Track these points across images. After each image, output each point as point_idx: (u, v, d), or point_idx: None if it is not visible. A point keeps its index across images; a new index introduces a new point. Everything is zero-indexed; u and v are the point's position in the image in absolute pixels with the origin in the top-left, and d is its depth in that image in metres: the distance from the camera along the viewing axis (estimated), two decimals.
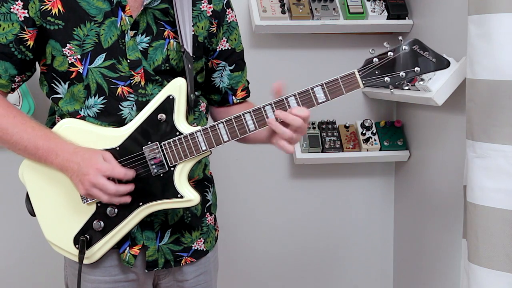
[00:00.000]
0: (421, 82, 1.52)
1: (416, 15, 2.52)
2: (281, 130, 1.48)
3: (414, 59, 1.47)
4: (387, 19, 2.52)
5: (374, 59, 1.48)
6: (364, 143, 2.57)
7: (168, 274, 1.68)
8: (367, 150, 2.57)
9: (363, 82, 1.48)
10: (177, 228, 1.65)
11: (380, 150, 2.59)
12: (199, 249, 1.69)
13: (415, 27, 2.51)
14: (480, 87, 1.81)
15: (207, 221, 1.71)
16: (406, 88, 1.54)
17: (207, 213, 1.72)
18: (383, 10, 2.51)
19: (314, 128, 2.55)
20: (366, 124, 2.58)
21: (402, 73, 1.48)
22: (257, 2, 2.43)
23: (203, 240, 1.70)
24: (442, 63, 1.49)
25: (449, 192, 2.31)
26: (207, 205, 1.72)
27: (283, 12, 2.44)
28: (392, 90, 1.53)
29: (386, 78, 1.48)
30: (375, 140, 2.58)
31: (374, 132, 2.59)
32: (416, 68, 1.48)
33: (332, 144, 2.54)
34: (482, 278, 1.82)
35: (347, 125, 2.59)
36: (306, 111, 1.48)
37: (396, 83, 1.50)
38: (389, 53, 1.48)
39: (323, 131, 2.55)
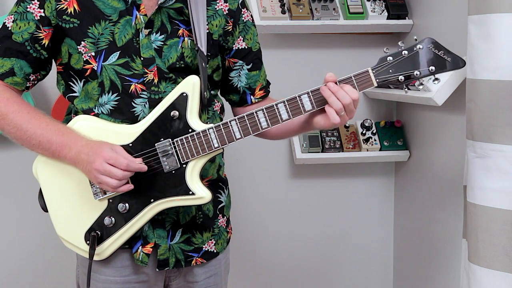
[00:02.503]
0: (436, 82, 1.52)
1: (416, 15, 2.52)
2: (332, 99, 1.47)
3: (429, 58, 1.47)
4: (387, 19, 2.52)
5: (388, 58, 1.48)
6: (364, 143, 2.57)
7: (179, 275, 1.68)
8: (367, 150, 2.57)
9: (377, 80, 1.48)
10: (189, 228, 1.64)
11: (380, 150, 2.59)
12: (209, 250, 1.68)
13: (415, 27, 2.51)
14: (480, 87, 1.81)
15: (219, 223, 1.70)
16: (421, 87, 1.54)
17: (220, 215, 1.71)
18: (383, 10, 2.51)
19: None
20: (366, 124, 2.58)
21: (416, 72, 1.48)
22: (257, 2, 2.43)
23: (214, 242, 1.69)
24: (457, 63, 1.48)
25: (449, 192, 2.31)
26: (220, 206, 1.71)
27: (283, 12, 2.44)
28: (406, 90, 1.52)
29: (401, 77, 1.48)
30: (375, 140, 2.58)
31: (374, 132, 2.59)
32: (431, 68, 1.47)
33: (332, 144, 2.54)
34: (482, 278, 1.82)
35: (347, 125, 2.58)
36: (356, 93, 1.48)
37: (410, 82, 1.50)
38: (403, 51, 1.48)
39: (323, 131, 2.55)
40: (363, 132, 2.58)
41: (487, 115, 1.80)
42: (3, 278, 2.48)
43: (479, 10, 1.78)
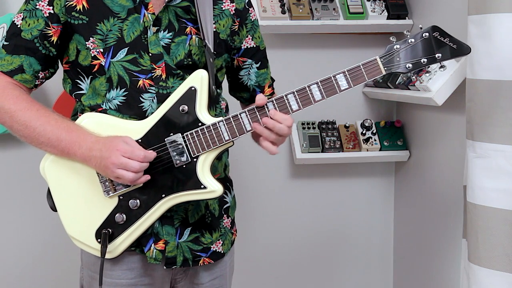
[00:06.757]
0: (442, 69, 1.53)
1: (416, 15, 2.52)
2: (266, 133, 1.51)
3: (435, 46, 1.49)
4: (387, 19, 2.52)
5: (395, 46, 1.50)
6: (364, 143, 2.57)
7: (185, 277, 1.67)
8: (367, 150, 2.57)
9: (385, 68, 1.50)
10: (197, 227, 1.64)
11: (380, 150, 2.59)
12: (217, 251, 1.67)
13: (415, 27, 2.51)
14: (480, 87, 1.81)
15: (223, 223, 1.70)
16: (427, 75, 1.55)
17: (225, 215, 1.71)
18: (383, 10, 2.51)
19: (314, 128, 2.55)
20: (366, 124, 2.58)
21: (423, 59, 1.49)
22: (257, 2, 2.43)
23: (221, 242, 1.69)
24: (462, 49, 1.50)
25: (449, 192, 2.31)
26: (225, 206, 1.71)
27: (283, 12, 2.44)
28: (411, 74, 1.52)
29: (408, 65, 1.50)
30: (375, 140, 2.58)
31: (374, 132, 2.59)
32: (437, 54, 1.49)
33: (332, 144, 2.54)
34: (482, 278, 1.82)
35: (347, 125, 2.59)
36: (290, 120, 1.51)
37: (418, 70, 1.51)
38: (410, 40, 1.50)
39: (323, 131, 2.55)
40: (363, 132, 2.58)
41: (487, 115, 1.80)
42: (7, 279, 2.48)
43: (479, 10, 1.78)
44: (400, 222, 2.73)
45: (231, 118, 1.51)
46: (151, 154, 1.50)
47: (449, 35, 1.49)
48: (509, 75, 1.73)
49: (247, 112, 1.51)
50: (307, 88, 1.50)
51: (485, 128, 1.80)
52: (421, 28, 1.51)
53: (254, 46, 1.71)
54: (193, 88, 1.52)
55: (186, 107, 1.52)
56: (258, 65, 1.73)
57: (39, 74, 1.59)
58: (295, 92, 1.50)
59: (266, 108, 1.51)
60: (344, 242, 2.75)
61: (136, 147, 1.49)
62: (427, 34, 1.49)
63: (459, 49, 1.49)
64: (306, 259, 2.73)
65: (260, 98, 1.51)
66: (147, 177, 1.50)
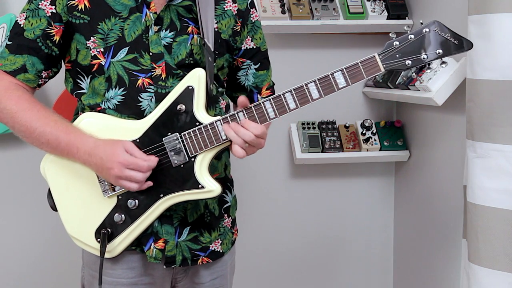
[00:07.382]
0: (443, 65, 1.51)
1: (416, 15, 2.52)
2: (231, 135, 1.49)
3: (436, 41, 1.46)
4: (387, 19, 2.52)
5: (395, 42, 1.48)
6: (364, 143, 2.57)
7: (185, 276, 1.67)
8: (367, 150, 2.57)
9: (384, 65, 1.47)
10: (196, 226, 1.64)
11: (380, 150, 2.59)
12: (216, 250, 1.67)
13: (415, 27, 2.51)
14: (480, 87, 1.81)
15: (224, 223, 1.70)
16: (429, 71, 1.53)
17: (225, 215, 1.71)
18: (383, 10, 2.51)
19: (314, 128, 2.55)
20: (366, 124, 2.58)
21: (424, 56, 1.47)
22: (257, 2, 2.43)
23: (220, 242, 1.69)
24: (464, 45, 1.47)
25: (449, 192, 2.31)
26: (225, 206, 1.71)
27: (283, 12, 2.44)
28: (411, 72, 1.50)
29: (408, 61, 1.47)
30: (375, 140, 2.58)
31: (374, 132, 2.59)
32: (438, 50, 1.46)
33: (332, 144, 2.54)
34: (482, 278, 1.82)
35: (347, 125, 2.59)
36: (259, 130, 1.48)
37: (418, 66, 1.49)
38: (410, 35, 1.47)
39: (323, 131, 2.55)
40: (363, 132, 2.58)
41: (487, 115, 1.80)
42: (8, 279, 2.48)
43: (479, 10, 1.78)
44: (400, 222, 2.73)
45: (229, 118, 1.51)
46: (154, 162, 1.50)
47: (450, 30, 1.46)
48: (509, 75, 1.73)
49: (244, 111, 1.51)
50: (304, 86, 1.49)
51: (485, 128, 1.80)
52: (421, 23, 1.49)
53: (254, 47, 1.71)
54: (190, 87, 1.52)
55: (183, 107, 1.52)
56: (257, 66, 1.73)
57: (42, 74, 1.59)
58: (293, 91, 1.49)
59: (263, 107, 1.50)
60: (344, 242, 2.75)
61: (139, 158, 1.48)
62: (427, 29, 1.46)
63: (461, 45, 1.47)
64: (306, 258, 2.73)
65: (241, 101, 1.49)
66: (149, 183, 1.51)
